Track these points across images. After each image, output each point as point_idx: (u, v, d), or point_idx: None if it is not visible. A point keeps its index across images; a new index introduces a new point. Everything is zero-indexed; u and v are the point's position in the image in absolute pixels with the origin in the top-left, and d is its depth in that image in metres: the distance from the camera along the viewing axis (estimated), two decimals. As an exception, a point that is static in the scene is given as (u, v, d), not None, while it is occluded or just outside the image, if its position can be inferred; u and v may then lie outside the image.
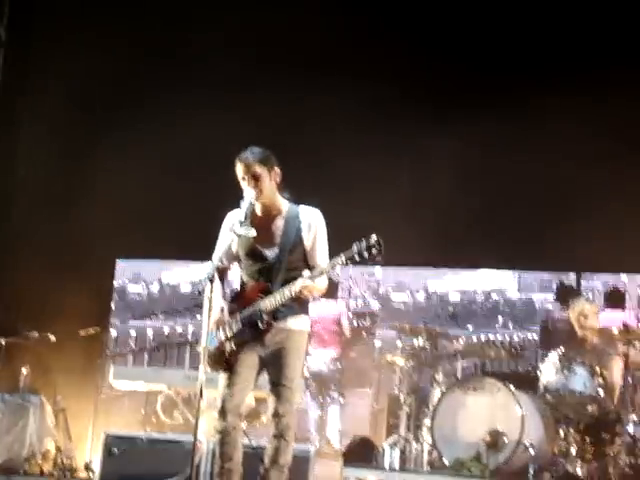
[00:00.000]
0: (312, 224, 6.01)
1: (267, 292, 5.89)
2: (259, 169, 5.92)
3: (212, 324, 5.89)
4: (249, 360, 5.93)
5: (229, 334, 5.93)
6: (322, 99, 9.47)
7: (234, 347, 5.91)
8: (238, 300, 6.05)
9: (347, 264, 5.69)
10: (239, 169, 5.96)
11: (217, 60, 10.21)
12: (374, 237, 5.68)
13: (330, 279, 10.44)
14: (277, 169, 6.00)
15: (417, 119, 9.69)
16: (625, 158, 9.27)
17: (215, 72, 10.19)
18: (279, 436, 5.84)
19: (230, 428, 5.88)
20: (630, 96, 9.12)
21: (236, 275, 6.31)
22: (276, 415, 5.84)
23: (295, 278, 5.83)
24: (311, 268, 5.93)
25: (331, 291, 10.68)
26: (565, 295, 9.96)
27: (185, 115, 10.11)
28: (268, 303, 5.86)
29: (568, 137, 9.41)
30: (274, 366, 5.91)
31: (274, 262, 5.94)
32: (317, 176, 9.59)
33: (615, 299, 9.93)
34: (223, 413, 5.88)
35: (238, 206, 5.97)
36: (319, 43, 9.79)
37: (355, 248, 5.67)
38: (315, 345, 10.53)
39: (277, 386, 5.87)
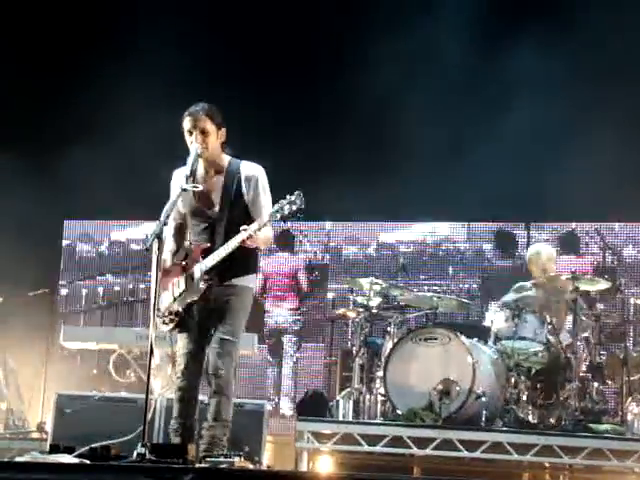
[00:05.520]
0: (252, 178, 5.97)
1: (209, 252, 5.88)
2: (207, 125, 5.89)
3: (160, 285, 5.80)
4: (200, 317, 5.92)
5: (176, 295, 5.93)
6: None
7: (181, 308, 5.91)
8: (186, 260, 6.01)
9: (272, 220, 5.74)
10: (187, 122, 5.92)
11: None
12: (297, 192, 5.75)
13: (288, 233, 10.61)
14: (224, 129, 5.98)
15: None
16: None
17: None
18: (219, 392, 5.83)
19: (191, 387, 5.90)
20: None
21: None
22: (215, 370, 5.82)
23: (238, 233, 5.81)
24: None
25: (288, 245, 10.75)
26: (504, 242, 10.04)
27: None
28: (209, 261, 5.85)
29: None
30: (218, 320, 5.90)
31: (216, 220, 5.93)
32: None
33: (569, 244, 10.02)
34: (185, 372, 5.89)
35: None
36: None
37: (278, 205, 5.75)
38: (272, 300, 10.58)
39: (219, 340, 5.85)
